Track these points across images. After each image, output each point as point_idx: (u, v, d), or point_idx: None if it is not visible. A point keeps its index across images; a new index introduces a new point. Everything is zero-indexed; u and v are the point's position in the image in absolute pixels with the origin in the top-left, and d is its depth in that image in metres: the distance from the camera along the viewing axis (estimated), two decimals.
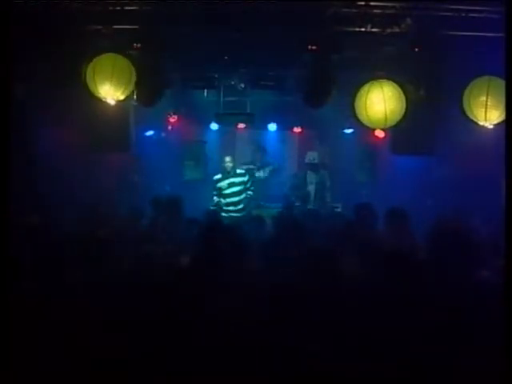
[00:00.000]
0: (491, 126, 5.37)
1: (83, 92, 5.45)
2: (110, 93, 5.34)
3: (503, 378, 2.44)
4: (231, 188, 8.06)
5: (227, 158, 8.13)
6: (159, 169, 8.36)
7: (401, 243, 4.57)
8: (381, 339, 2.67)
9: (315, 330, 2.69)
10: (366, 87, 5.58)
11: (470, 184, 6.58)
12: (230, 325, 2.77)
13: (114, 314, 2.85)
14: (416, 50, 5.68)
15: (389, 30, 5.43)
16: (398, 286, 3.01)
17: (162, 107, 7.47)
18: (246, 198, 8.07)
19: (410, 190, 7.22)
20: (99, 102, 5.47)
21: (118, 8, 5.25)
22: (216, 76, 6.93)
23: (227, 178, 8.08)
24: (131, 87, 5.47)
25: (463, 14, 5.24)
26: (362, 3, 5.25)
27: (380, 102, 5.47)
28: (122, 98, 5.43)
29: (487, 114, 5.30)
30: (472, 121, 5.49)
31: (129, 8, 5.27)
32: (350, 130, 8.66)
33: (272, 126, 9.16)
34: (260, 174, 8.97)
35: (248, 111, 7.96)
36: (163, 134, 9.01)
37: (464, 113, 5.52)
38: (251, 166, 8.84)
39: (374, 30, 5.43)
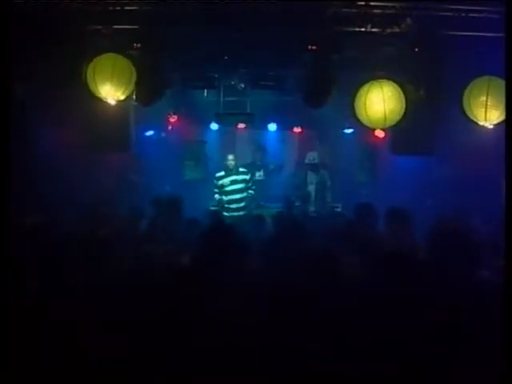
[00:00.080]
0: (491, 126, 5.37)
1: (83, 92, 5.45)
2: (111, 93, 5.34)
3: (503, 378, 2.45)
4: (233, 185, 8.11)
5: (230, 156, 8.19)
6: (159, 169, 8.36)
7: (402, 243, 4.57)
8: (381, 339, 2.67)
9: (315, 330, 2.69)
10: (365, 87, 5.58)
11: (469, 184, 6.58)
12: (230, 325, 2.77)
13: (113, 314, 2.85)
14: (416, 50, 5.68)
15: (389, 30, 5.44)
16: (399, 286, 3.01)
17: (162, 107, 7.49)
18: (247, 196, 8.10)
19: (410, 189, 7.22)
20: (99, 102, 5.47)
21: (118, 8, 5.25)
22: (216, 76, 6.94)
23: (230, 176, 8.14)
24: (131, 87, 5.47)
25: (463, 14, 5.25)
26: (362, 3, 5.25)
27: (379, 102, 5.47)
28: (122, 98, 5.43)
29: (487, 114, 5.30)
30: (472, 121, 5.50)
31: (129, 8, 5.27)
32: (350, 130, 8.67)
33: (272, 126, 9.17)
34: (260, 173, 8.97)
35: (248, 111, 7.97)
36: (163, 134, 9.02)
37: (464, 113, 5.52)
38: (251, 167, 8.83)
39: (374, 30, 5.44)
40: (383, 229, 5.19)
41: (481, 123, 5.41)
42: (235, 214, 7.83)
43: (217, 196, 8.09)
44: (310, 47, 5.65)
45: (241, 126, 8.68)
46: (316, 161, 8.47)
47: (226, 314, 2.86)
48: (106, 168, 7.37)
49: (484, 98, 5.29)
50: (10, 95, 3.82)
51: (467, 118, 5.51)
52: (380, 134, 6.56)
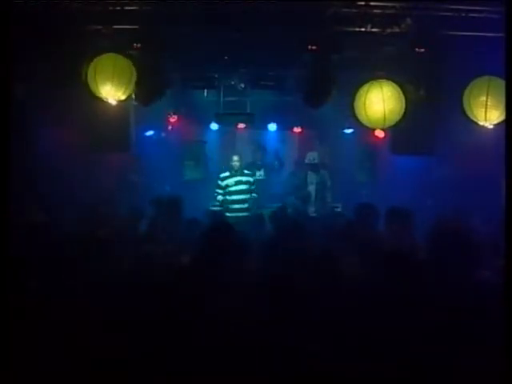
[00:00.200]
0: (491, 126, 5.37)
1: (83, 92, 5.45)
2: (112, 93, 5.34)
3: (503, 377, 2.45)
4: (238, 186, 8.14)
5: (235, 157, 8.21)
6: (159, 169, 8.36)
7: (402, 243, 4.57)
8: (381, 339, 2.67)
9: (316, 331, 2.69)
10: (365, 87, 5.58)
11: (469, 184, 6.58)
12: (230, 325, 2.77)
13: (114, 314, 2.85)
14: (416, 49, 5.68)
15: (389, 30, 5.44)
16: (400, 286, 3.01)
17: (162, 107, 7.49)
18: (251, 198, 8.13)
19: (410, 189, 7.22)
20: (99, 102, 5.47)
21: (118, 8, 5.26)
22: (216, 76, 6.93)
23: (234, 176, 8.16)
24: (132, 87, 5.47)
25: (463, 14, 5.25)
26: (362, 3, 5.25)
27: (379, 102, 5.47)
28: (123, 98, 5.44)
29: (487, 114, 5.30)
30: (472, 121, 5.50)
31: (129, 8, 5.27)
32: (350, 130, 8.67)
33: (272, 126, 9.16)
34: (261, 173, 8.97)
35: (248, 111, 7.97)
36: (163, 134, 9.02)
37: (464, 113, 5.52)
38: (252, 167, 8.83)
39: (374, 30, 5.44)
40: (383, 229, 5.20)
41: (481, 123, 5.41)
42: (238, 214, 7.84)
43: (220, 197, 8.10)
44: (309, 47, 5.65)
45: (241, 126, 8.68)
46: (316, 161, 8.47)
47: (226, 313, 2.86)
48: (105, 168, 7.36)
49: (484, 98, 5.29)
50: (10, 95, 3.81)
51: (467, 117, 5.51)
52: (380, 134, 6.56)
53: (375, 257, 3.56)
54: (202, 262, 3.55)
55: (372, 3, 5.26)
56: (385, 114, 5.48)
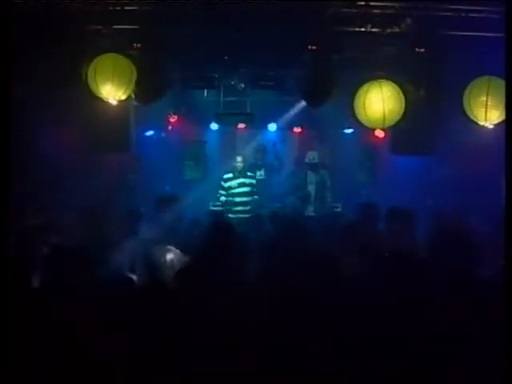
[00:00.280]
0: (491, 126, 5.37)
1: (83, 92, 5.45)
2: (112, 93, 5.34)
3: (503, 377, 2.45)
4: (241, 188, 8.17)
5: (238, 158, 8.24)
6: (159, 169, 8.36)
7: (405, 243, 4.56)
8: (381, 339, 2.67)
9: (317, 331, 2.69)
10: (364, 87, 5.58)
11: (469, 184, 6.58)
12: (230, 325, 2.77)
13: (114, 314, 2.85)
14: (416, 49, 5.68)
15: (389, 30, 5.44)
16: (401, 286, 3.01)
17: (162, 107, 7.49)
18: (253, 200, 8.14)
19: (410, 189, 7.22)
20: (99, 101, 5.47)
21: (118, 8, 5.26)
22: (216, 76, 6.93)
23: (238, 178, 8.19)
24: (132, 87, 5.47)
25: (463, 14, 5.25)
26: (362, 3, 5.25)
27: (379, 102, 5.47)
28: (123, 97, 5.44)
29: (487, 114, 5.30)
30: (472, 121, 5.50)
31: (129, 8, 5.27)
32: (350, 130, 8.67)
33: (272, 126, 9.16)
34: (261, 173, 8.97)
35: (248, 111, 7.96)
36: (163, 134, 9.01)
37: (464, 113, 5.52)
38: (252, 167, 8.83)
39: (374, 30, 5.44)
40: (384, 229, 5.19)
41: (481, 123, 5.41)
42: (240, 215, 7.85)
43: (223, 198, 8.13)
44: (309, 47, 5.65)
45: (241, 126, 8.67)
46: (316, 160, 8.46)
47: (225, 313, 2.86)
48: (106, 168, 7.36)
49: (484, 98, 5.29)
50: (10, 95, 3.81)
51: (467, 117, 5.51)
52: (380, 133, 6.55)
53: (378, 257, 3.57)
54: (202, 262, 3.55)
55: (372, 3, 5.26)
56: (384, 114, 5.48)
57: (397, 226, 4.91)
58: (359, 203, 5.86)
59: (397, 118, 5.56)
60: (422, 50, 5.65)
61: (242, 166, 8.19)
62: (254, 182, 8.29)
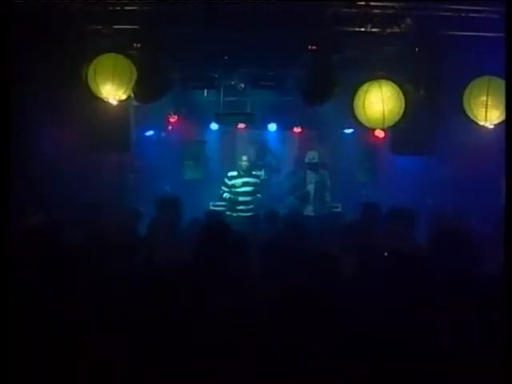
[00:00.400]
0: (491, 126, 5.37)
1: (83, 92, 5.45)
2: (112, 93, 5.35)
3: (503, 377, 2.45)
4: (244, 187, 8.19)
5: (244, 157, 8.29)
6: (159, 169, 8.37)
7: (407, 243, 4.56)
8: (383, 339, 2.67)
9: (318, 331, 2.69)
10: (364, 87, 5.58)
11: (469, 184, 6.59)
12: (230, 325, 2.77)
13: (114, 315, 2.85)
14: (416, 49, 5.68)
15: (389, 30, 5.44)
16: (401, 286, 3.01)
17: (162, 107, 7.49)
18: (255, 199, 8.17)
19: (410, 189, 7.22)
20: (99, 101, 5.48)
21: (118, 8, 5.26)
22: (216, 76, 6.93)
23: (242, 177, 8.21)
24: (132, 87, 5.47)
25: (463, 14, 5.25)
26: (362, 3, 5.25)
27: (378, 102, 5.47)
28: (123, 97, 5.44)
29: (488, 114, 5.31)
30: (472, 121, 5.50)
31: (129, 8, 5.27)
32: (350, 130, 8.67)
33: (272, 126, 9.16)
34: (261, 173, 8.98)
35: (248, 111, 7.96)
36: (163, 134, 9.01)
37: (464, 113, 5.52)
38: (252, 167, 8.83)
39: (374, 30, 5.44)
40: (384, 228, 5.19)
41: (481, 123, 5.41)
42: (241, 214, 7.87)
43: (226, 194, 8.16)
44: (310, 47, 5.65)
45: (241, 125, 8.67)
46: (316, 160, 8.45)
47: (225, 313, 2.86)
48: (106, 168, 7.37)
49: (484, 98, 5.29)
50: (10, 95, 3.81)
51: (467, 117, 5.51)
52: (380, 133, 6.55)
53: (378, 256, 3.57)
54: (202, 262, 3.55)
55: (372, 3, 5.26)
56: (384, 114, 5.48)
57: (397, 225, 4.90)
58: (359, 203, 5.86)
59: (396, 118, 5.56)
60: (422, 50, 5.65)
61: (247, 165, 8.23)
62: (258, 181, 8.33)
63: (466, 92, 5.45)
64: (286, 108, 8.24)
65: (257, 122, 8.19)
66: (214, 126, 8.90)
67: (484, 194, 6.11)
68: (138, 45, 5.60)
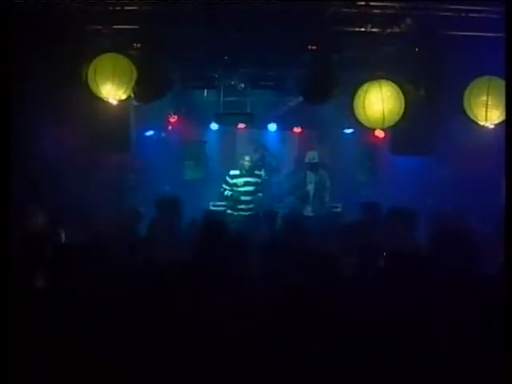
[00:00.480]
0: (492, 126, 5.37)
1: (83, 92, 5.45)
2: (112, 93, 5.34)
3: (503, 377, 2.45)
4: (246, 187, 8.24)
5: (246, 157, 8.34)
6: (159, 169, 8.37)
7: (406, 243, 4.56)
8: (383, 339, 2.67)
9: (316, 331, 2.69)
10: (364, 87, 5.58)
11: (469, 184, 6.58)
12: (230, 325, 2.77)
13: (114, 315, 2.85)
14: (416, 49, 5.68)
15: (389, 30, 5.43)
16: (401, 286, 3.01)
17: (162, 107, 7.49)
18: (256, 199, 8.20)
19: (410, 189, 7.22)
20: (99, 101, 5.47)
21: (118, 8, 5.25)
22: (216, 76, 6.92)
23: (244, 176, 8.25)
24: (132, 87, 5.47)
25: (463, 14, 5.25)
26: (362, 3, 5.25)
27: (378, 102, 5.47)
28: (123, 97, 5.44)
29: (488, 114, 5.30)
30: (472, 121, 5.50)
31: (129, 8, 5.26)
32: (350, 130, 8.66)
33: (272, 126, 9.16)
34: (261, 173, 8.99)
35: (248, 111, 7.96)
36: (163, 134, 9.02)
37: (464, 113, 5.52)
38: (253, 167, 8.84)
39: (374, 30, 5.43)
40: (384, 228, 5.19)
41: (481, 123, 5.41)
42: (242, 213, 7.89)
43: (227, 193, 8.19)
44: (310, 47, 5.65)
45: (241, 125, 8.67)
46: (316, 160, 8.45)
47: (224, 313, 2.86)
48: (106, 168, 7.36)
49: (484, 98, 5.29)
50: (10, 95, 3.81)
51: (467, 117, 5.51)
52: (380, 134, 6.55)
53: (378, 256, 3.57)
54: (199, 262, 3.55)
55: (372, 3, 5.25)
56: (384, 114, 5.48)
57: (397, 225, 4.91)
58: (359, 203, 5.86)
59: (396, 118, 5.55)
60: (422, 50, 5.65)
61: (249, 165, 8.27)
62: (259, 181, 8.36)
63: (466, 92, 5.45)
64: (286, 108, 8.25)
65: (257, 121, 8.20)
66: (214, 126, 8.91)
67: (484, 193, 6.11)
68: (138, 45, 5.59)
